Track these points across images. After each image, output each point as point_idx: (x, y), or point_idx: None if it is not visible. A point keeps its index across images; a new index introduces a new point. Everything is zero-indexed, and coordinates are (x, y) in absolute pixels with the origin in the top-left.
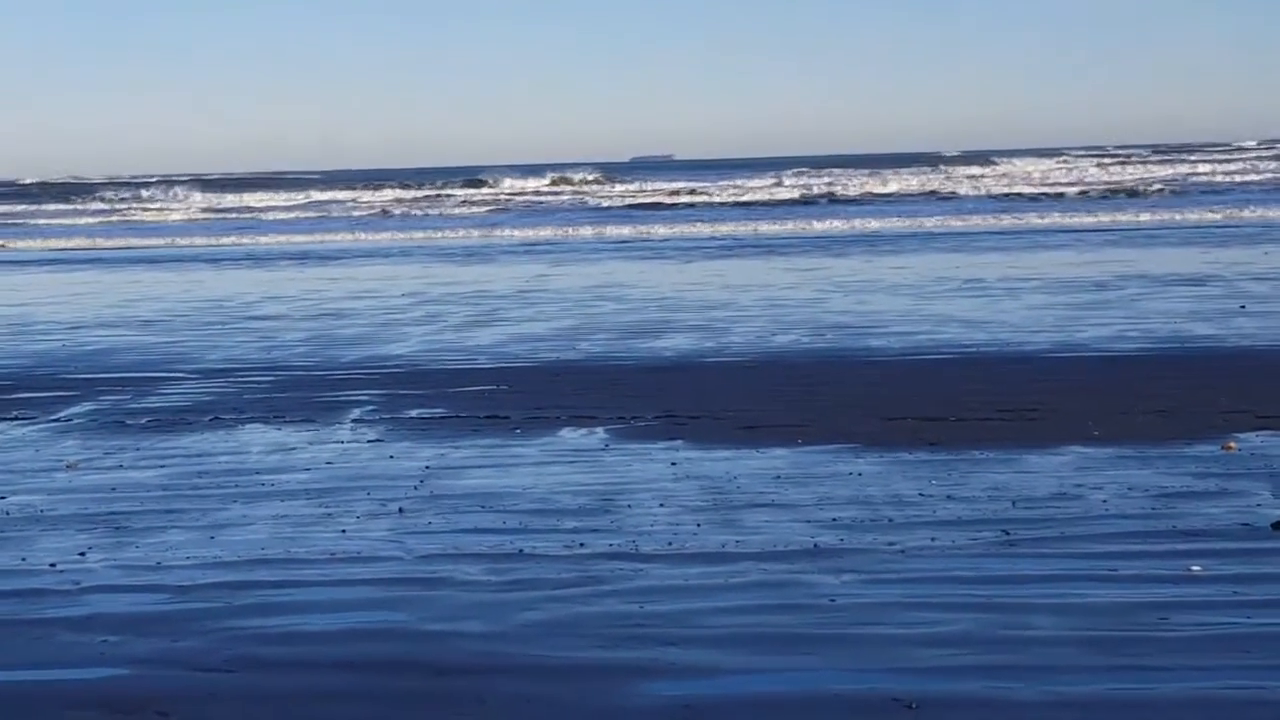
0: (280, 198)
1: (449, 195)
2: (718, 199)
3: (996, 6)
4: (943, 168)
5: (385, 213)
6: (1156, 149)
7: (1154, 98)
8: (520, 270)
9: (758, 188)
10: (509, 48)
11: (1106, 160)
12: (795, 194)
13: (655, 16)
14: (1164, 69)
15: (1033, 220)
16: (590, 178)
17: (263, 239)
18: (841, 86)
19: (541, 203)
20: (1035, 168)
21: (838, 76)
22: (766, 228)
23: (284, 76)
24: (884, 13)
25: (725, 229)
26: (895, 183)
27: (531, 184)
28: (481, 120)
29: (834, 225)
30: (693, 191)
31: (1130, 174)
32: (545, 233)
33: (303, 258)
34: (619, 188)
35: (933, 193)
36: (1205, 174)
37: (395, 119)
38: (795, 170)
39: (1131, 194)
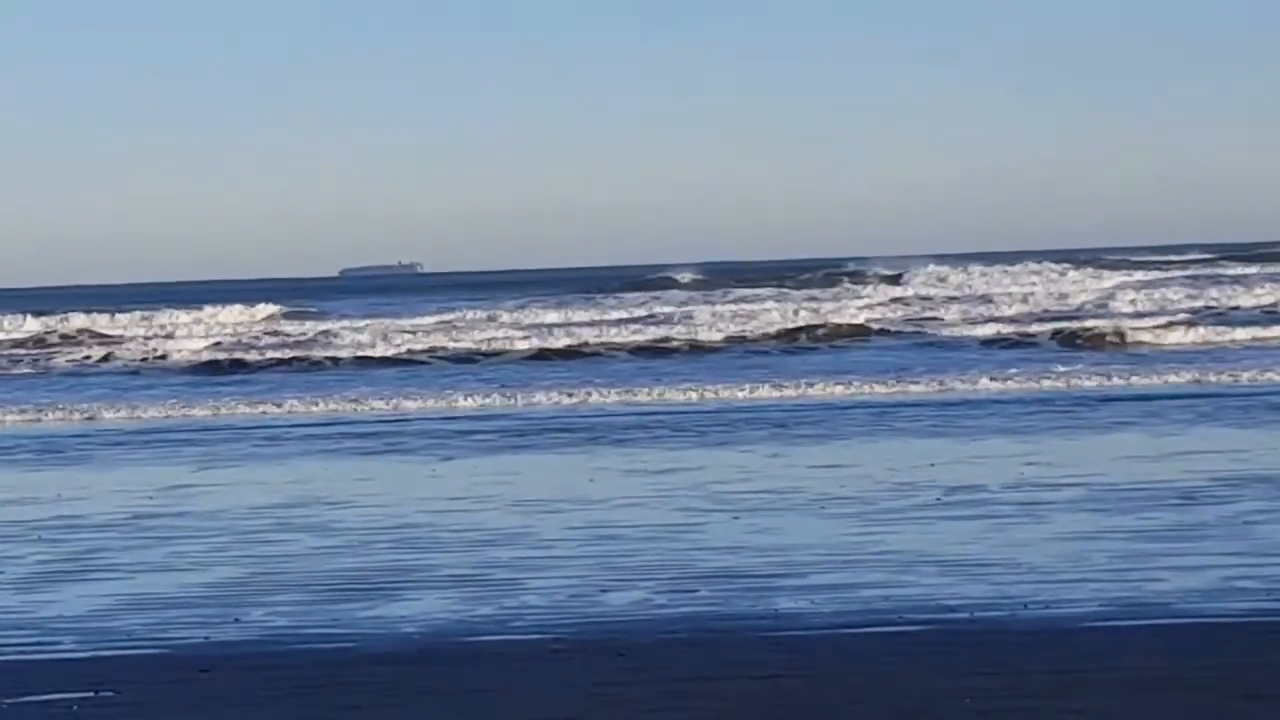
0: None
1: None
2: (495, 340)
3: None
4: (874, 278)
5: None
6: (1226, 252)
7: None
8: (139, 476)
9: (570, 323)
10: None
11: (1154, 268)
12: (641, 333)
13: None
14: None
15: (1054, 376)
16: (269, 312)
17: None
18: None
19: (186, 358)
20: (1018, 282)
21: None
22: (595, 397)
23: None
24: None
25: (508, 402)
26: (804, 307)
27: (177, 319)
28: None
29: (711, 392)
30: (453, 326)
31: (1224, 294)
32: (196, 411)
33: None
34: (315, 327)
35: (869, 329)
36: None
37: None
38: (642, 284)
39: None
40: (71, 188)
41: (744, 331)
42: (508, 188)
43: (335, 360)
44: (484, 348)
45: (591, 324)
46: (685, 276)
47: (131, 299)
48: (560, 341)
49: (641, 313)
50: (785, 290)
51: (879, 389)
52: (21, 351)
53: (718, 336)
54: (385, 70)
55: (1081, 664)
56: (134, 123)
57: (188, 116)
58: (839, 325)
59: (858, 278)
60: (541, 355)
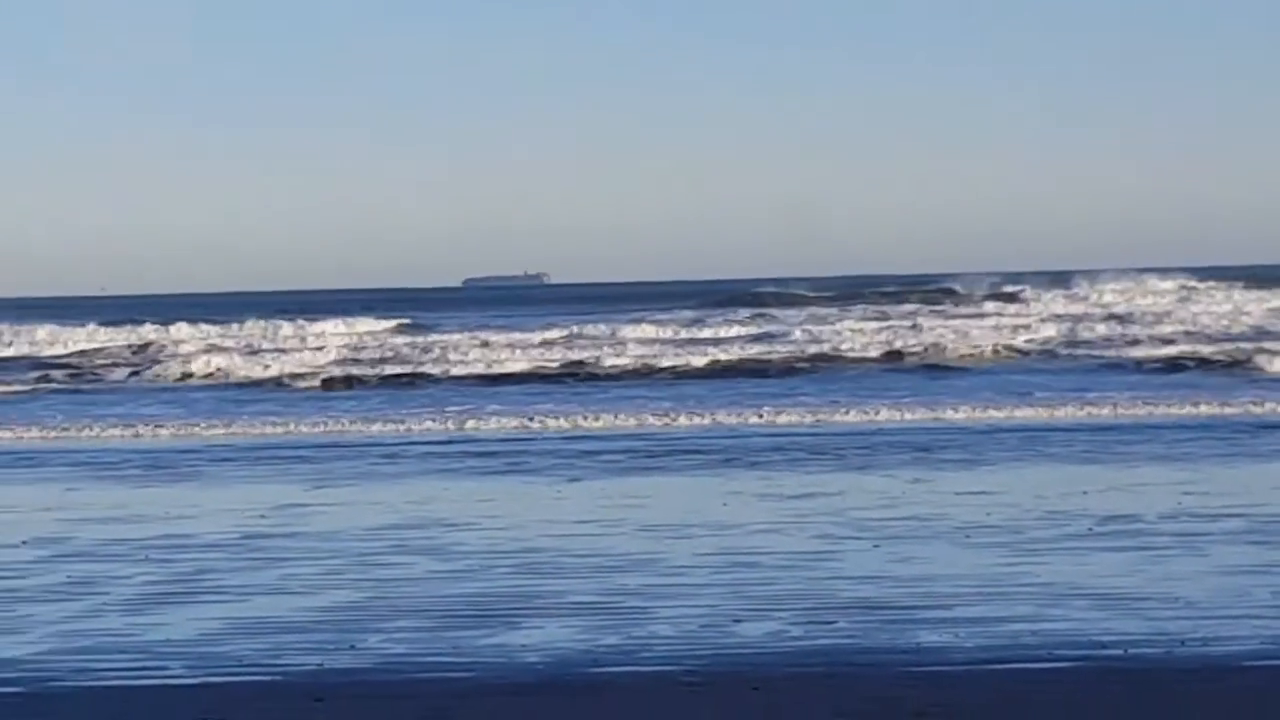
0: None
1: (120, 356)
2: (621, 359)
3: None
4: (1005, 294)
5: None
6: None
7: None
8: (250, 494)
9: (700, 340)
10: None
11: None
12: (770, 350)
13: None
14: None
15: (1212, 400)
16: (388, 325)
17: None
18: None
19: (300, 371)
20: (1168, 300)
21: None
22: (724, 418)
23: None
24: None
25: (636, 421)
26: (956, 331)
27: (287, 332)
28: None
29: (851, 413)
30: (576, 340)
31: None
32: (310, 428)
33: None
34: (435, 341)
35: (1018, 349)
36: None
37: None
38: (755, 301)
39: None
40: (185, 191)
41: (887, 346)
42: (637, 198)
43: (456, 376)
44: (611, 364)
45: (717, 341)
46: (803, 290)
47: (244, 308)
48: (689, 359)
49: (773, 329)
50: (914, 305)
51: (1028, 411)
52: (125, 362)
53: (861, 353)
54: (510, 83)
55: (1242, 704)
56: (254, 123)
57: (308, 119)
58: (987, 346)
59: (999, 294)
60: (671, 372)
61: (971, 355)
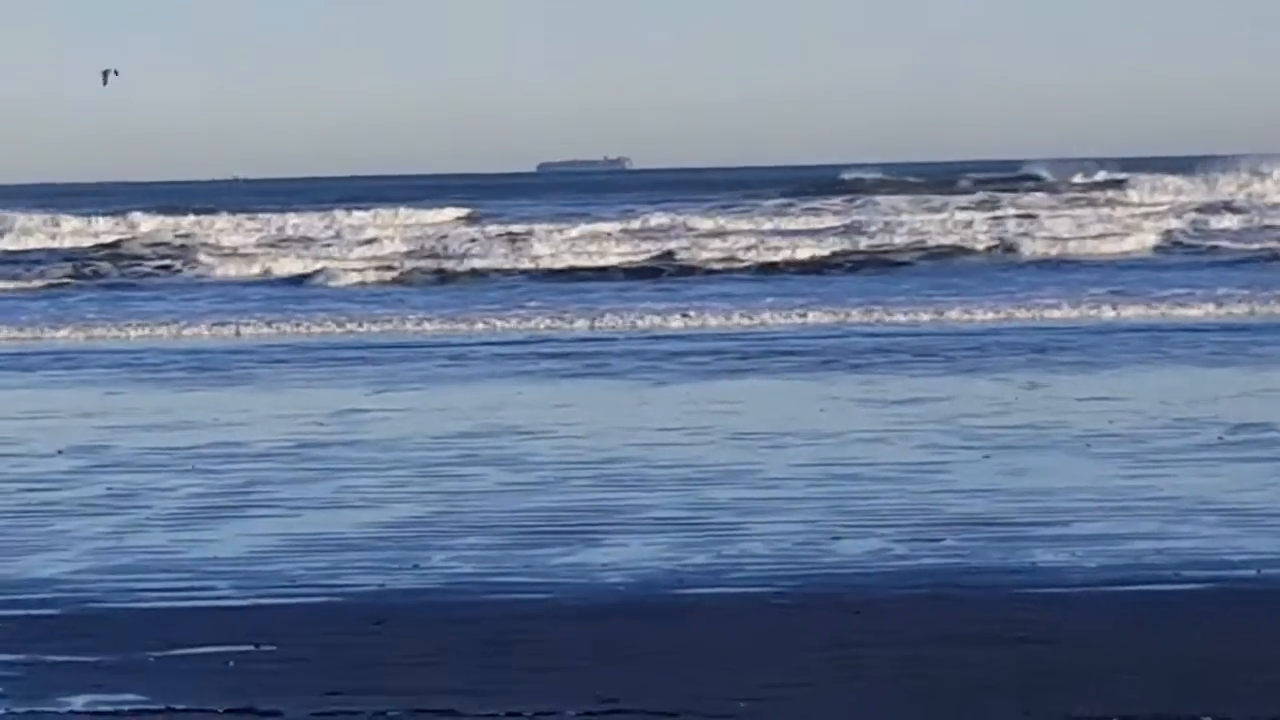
0: None
1: (163, 253)
2: (708, 252)
3: None
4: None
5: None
6: None
7: None
8: (306, 399)
9: (793, 231)
10: None
11: None
12: (870, 241)
13: None
14: None
15: None
16: (456, 214)
17: None
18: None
19: (359, 265)
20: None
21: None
22: (817, 317)
23: None
24: None
25: (726, 320)
26: (1074, 220)
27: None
28: None
29: (961, 311)
30: (653, 228)
31: None
32: (372, 326)
33: None
34: (506, 232)
35: (1168, 240)
36: None
37: None
38: (848, 188)
39: None
40: (240, 70)
41: (997, 239)
42: (724, 78)
43: (528, 270)
44: (697, 257)
45: (812, 232)
46: (885, 176)
47: (296, 195)
48: (782, 251)
49: (868, 218)
50: (1012, 194)
51: (1152, 310)
52: (167, 254)
53: (970, 245)
54: None
55: None
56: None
57: None
58: (1116, 239)
59: (1102, 182)
60: (762, 266)
61: (1091, 249)
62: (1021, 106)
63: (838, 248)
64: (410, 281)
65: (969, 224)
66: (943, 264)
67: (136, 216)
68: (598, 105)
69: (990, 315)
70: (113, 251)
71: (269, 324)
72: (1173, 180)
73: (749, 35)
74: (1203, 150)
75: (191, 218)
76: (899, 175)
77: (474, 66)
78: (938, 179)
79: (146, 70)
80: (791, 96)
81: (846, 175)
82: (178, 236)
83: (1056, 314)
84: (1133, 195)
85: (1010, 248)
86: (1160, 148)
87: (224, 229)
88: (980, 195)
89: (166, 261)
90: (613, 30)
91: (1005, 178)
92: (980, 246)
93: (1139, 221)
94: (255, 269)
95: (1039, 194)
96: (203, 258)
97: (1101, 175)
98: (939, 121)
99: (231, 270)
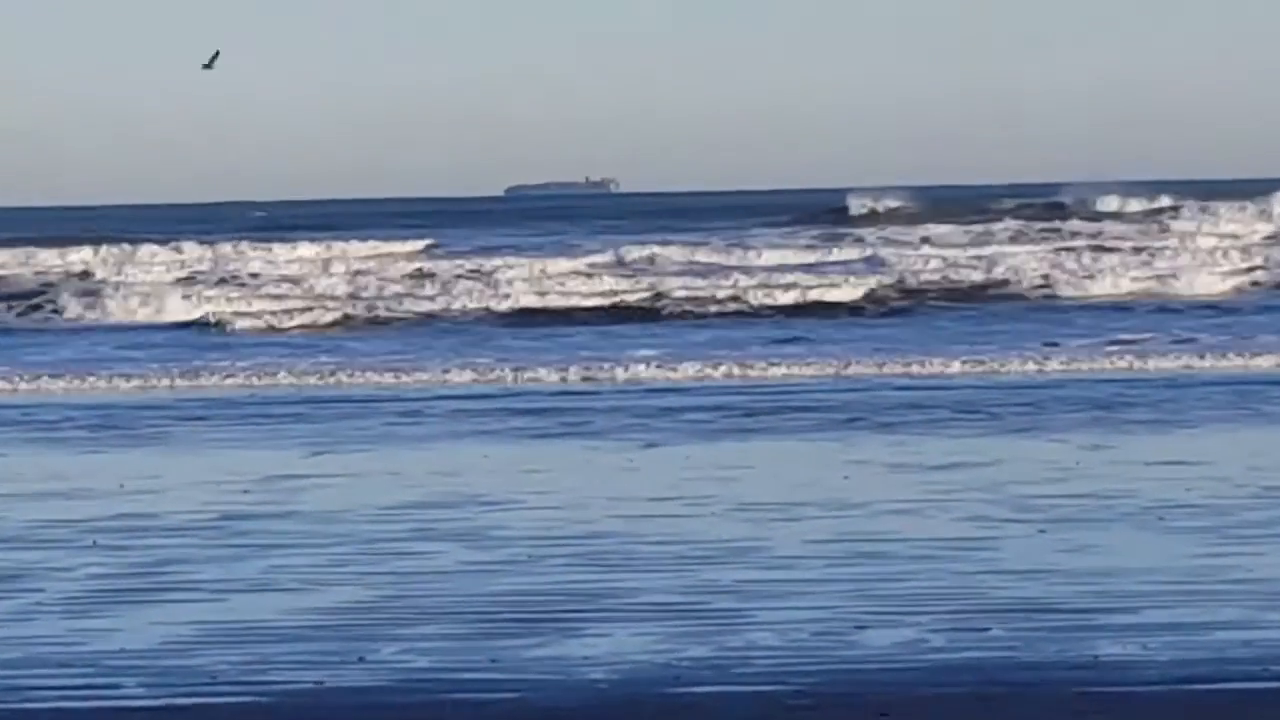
0: None
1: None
2: (709, 289)
3: None
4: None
5: None
6: None
7: None
8: (230, 462)
9: (802, 265)
10: None
11: None
12: (895, 278)
13: None
14: None
15: None
16: (413, 247)
17: None
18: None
19: (301, 305)
20: None
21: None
22: (838, 366)
23: None
24: None
25: (731, 370)
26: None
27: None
28: None
29: (1008, 361)
30: (660, 264)
31: None
32: (309, 377)
33: None
34: (474, 267)
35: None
36: None
37: None
38: (866, 219)
39: None
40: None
41: (1053, 276)
42: (730, 88)
43: (498, 311)
44: (695, 296)
45: (829, 266)
46: (896, 202)
47: (230, 222)
48: (790, 292)
49: (891, 251)
50: (1055, 224)
51: (1237, 360)
52: (69, 291)
53: (1028, 283)
54: None
55: None
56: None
57: None
58: (1184, 272)
59: (1144, 211)
60: (773, 311)
61: (1156, 288)
62: (1043, 122)
63: (861, 285)
64: (355, 324)
65: (1012, 258)
66: (984, 305)
67: (27, 249)
68: (577, 118)
69: (1044, 365)
70: None
71: (184, 374)
72: (1237, 208)
73: (757, 40)
74: (1248, 174)
75: (92, 250)
76: (917, 200)
77: (426, 71)
78: (966, 204)
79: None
80: (796, 108)
81: (860, 200)
82: (71, 273)
83: (1122, 364)
84: (1195, 225)
85: (1062, 286)
86: (1201, 170)
87: (136, 261)
88: (1014, 223)
89: (59, 300)
90: (596, 26)
91: (1043, 203)
92: (1027, 284)
93: (1211, 256)
94: (170, 309)
95: (1089, 222)
96: (107, 296)
97: (1165, 200)
98: (951, 138)
99: (141, 311)
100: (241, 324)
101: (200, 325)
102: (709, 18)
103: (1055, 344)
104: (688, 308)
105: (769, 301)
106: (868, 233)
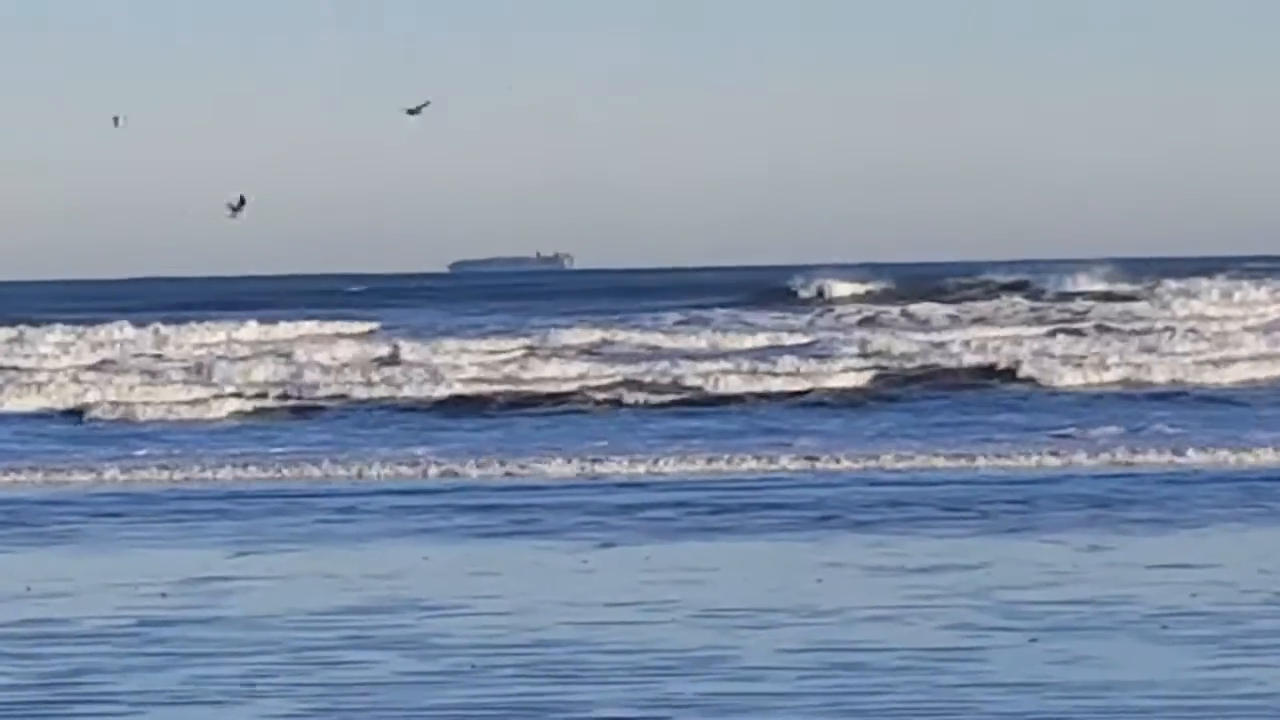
0: None
1: None
2: (671, 374)
3: None
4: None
5: None
6: None
7: None
8: (149, 564)
9: (770, 349)
10: None
11: None
12: (877, 363)
13: None
14: None
15: None
16: (345, 329)
17: None
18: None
19: (220, 394)
20: None
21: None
22: (817, 459)
23: None
24: None
25: (693, 465)
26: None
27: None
28: None
29: (994, 455)
30: (602, 343)
31: None
32: (231, 471)
33: None
34: (413, 352)
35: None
36: None
37: None
38: (862, 297)
39: None
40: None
41: (1039, 362)
42: (693, 157)
43: (440, 399)
44: (657, 383)
45: (799, 350)
46: (853, 281)
47: (144, 297)
48: (758, 380)
49: (862, 335)
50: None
51: (1246, 456)
52: None
53: (1013, 368)
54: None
55: None
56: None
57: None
58: (1188, 358)
59: (1121, 293)
60: (738, 400)
61: (1163, 375)
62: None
63: (839, 370)
64: (282, 413)
65: (990, 342)
66: (969, 392)
67: None
68: (527, 186)
69: (1035, 459)
70: None
71: (93, 469)
72: (1232, 287)
73: (726, 97)
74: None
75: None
76: (872, 277)
77: (357, 131)
78: (929, 282)
79: None
80: (758, 180)
81: (829, 280)
82: None
83: (1121, 457)
84: (1191, 307)
85: (1048, 373)
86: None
87: (37, 343)
88: (997, 302)
89: None
90: (553, 92)
91: (1006, 284)
92: (1013, 369)
93: (1221, 340)
94: (79, 395)
95: (1071, 302)
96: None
97: (1171, 284)
98: (911, 213)
99: (41, 398)
100: (152, 413)
101: (105, 412)
102: (668, 86)
103: (1068, 434)
104: (646, 396)
105: (738, 387)
106: (843, 311)
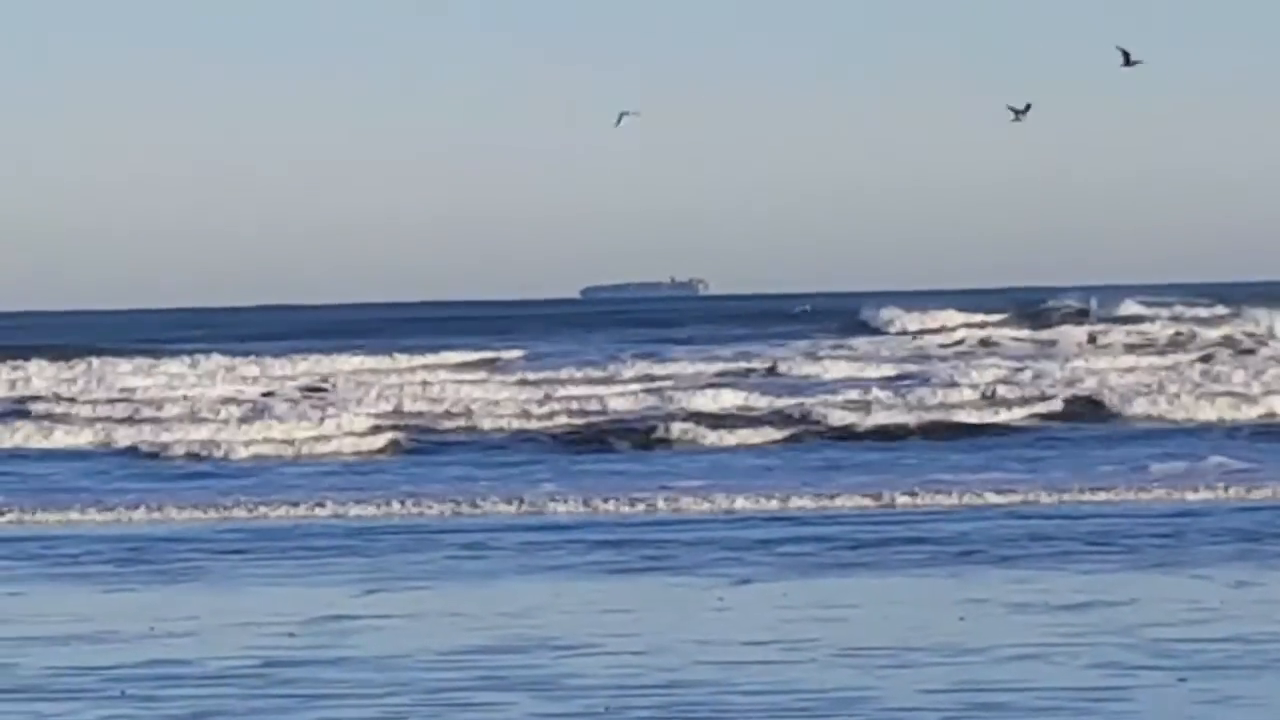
0: None
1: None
2: (824, 407)
3: None
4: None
5: None
6: None
7: None
8: (275, 603)
9: (909, 377)
10: None
11: None
12: (1023, 392)
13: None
14: None
15: None
16: (472, 357)
17: None
18: None
19: (344, 428)
20: None
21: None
22: (958, 493)
23: None
24: None
25: (831, 500)
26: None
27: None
28: None
29: (1140, 490)
30: (748, 372)
31: None
32: (360, 508)
33: None
34: (543, 380)
35: None
36: None
37: None
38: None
39: None
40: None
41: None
42: (829, 177)
43: (573, 430)
44: (808, 414)
45: (915, 376)
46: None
47: (259, 325)
48: (907, 411)
49: (1011, 364)
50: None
51: None
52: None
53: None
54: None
55: None
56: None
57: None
58: None
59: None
60: (879, 433)
61: None
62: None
63: (972, 401)
64: (409, 447)
65: (1148, 368)
66: (1115, 422)
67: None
68: (662, 209)
69: (1187, 494)
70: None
71: (218, 506)
72: None
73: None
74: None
75: (99, 361)
76: (988, 305)
77: (485, 140)
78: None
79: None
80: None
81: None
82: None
83: (1270, 490)
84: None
85: (1188, 406)
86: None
87: (158, 374)
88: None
89: (75, 413)
90: (688, 109)
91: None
92: (1165, 400)
93: None
94: (200, 432)
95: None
96: (118, 413)
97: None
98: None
99: (161, 433)
100: (276, 449)
101: (229, 445)
102: (807, 103)
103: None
104: (797, 427)
105: (880, 420)
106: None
